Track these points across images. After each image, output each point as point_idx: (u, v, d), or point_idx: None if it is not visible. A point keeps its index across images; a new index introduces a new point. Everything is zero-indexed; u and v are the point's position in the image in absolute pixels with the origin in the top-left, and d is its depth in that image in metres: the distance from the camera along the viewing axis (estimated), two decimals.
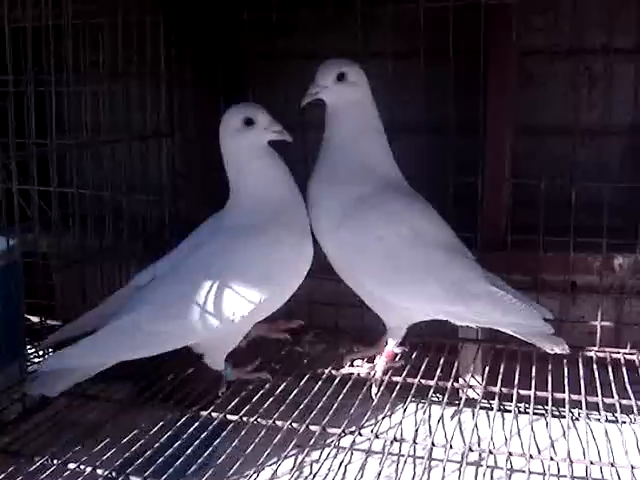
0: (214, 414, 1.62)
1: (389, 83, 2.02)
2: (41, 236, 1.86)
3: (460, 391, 1.84)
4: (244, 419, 1.61)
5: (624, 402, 1.69)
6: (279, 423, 1.59)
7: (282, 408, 1.65)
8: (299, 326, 1.97)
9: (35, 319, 1.94)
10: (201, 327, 1.60)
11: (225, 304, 1.59)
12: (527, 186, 1.95)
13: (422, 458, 1.52)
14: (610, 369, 1.82)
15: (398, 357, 1.86)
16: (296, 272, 1.68)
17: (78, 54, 1.89)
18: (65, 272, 2.09)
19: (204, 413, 1.62)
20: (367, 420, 1.65)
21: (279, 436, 1.54)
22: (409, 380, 1.78)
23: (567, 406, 1.70)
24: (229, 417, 1.62)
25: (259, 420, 1.60)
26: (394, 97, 1.98)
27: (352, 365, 1.85)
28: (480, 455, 1.54)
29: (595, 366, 1.83)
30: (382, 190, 1.72)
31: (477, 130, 1.95)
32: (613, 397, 1.70)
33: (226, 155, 1.69)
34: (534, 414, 1.68)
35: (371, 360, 1.86)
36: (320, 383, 1.77)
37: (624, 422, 1.65)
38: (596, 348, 1.91)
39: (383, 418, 1.69)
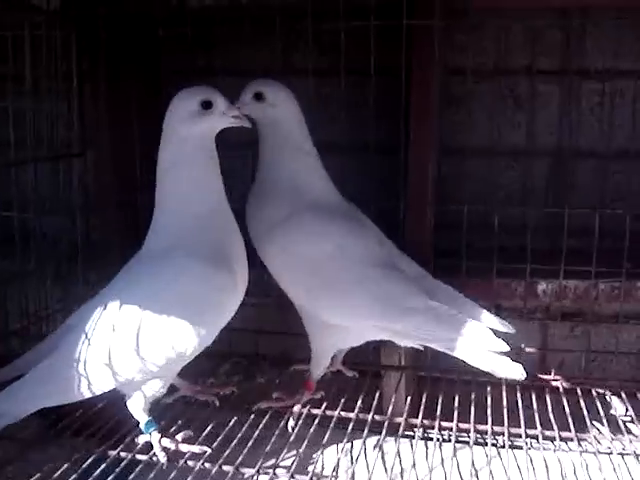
0: (123, 454, 1.53)
1: (311, 101, 1.94)
2: None
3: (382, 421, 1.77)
4: (154, 459, 1.52)
5: (547, 433, 1.67)
6: (190, 463, 1.51)
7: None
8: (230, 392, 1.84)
9: None
10: (111, 376, 1.49)
11: (133, 353, 1.47)
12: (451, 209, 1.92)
13: None
14: (534, 396, 1.80)
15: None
16: (209, 307, 1.53)
17: None
18: None
19: (113, 452, 1.53)
20: (285, 455, 1.59)
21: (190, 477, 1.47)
22: (329, 413, 1.74)
23: (489, 435, 1.67)
24: (138, 457, 1.53)
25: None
26: (317, 116, 1.91)
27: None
28: None
29: (519, 393, 1.80)
30: (307, 209, 1.70)
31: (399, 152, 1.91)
32: (536, 427, 1.68)
33: (167, 148, 1.56)
34: (457, 442, 1.66)
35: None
36: (236, 417, 1.71)
37: (547, 449, 1.64)
38: None
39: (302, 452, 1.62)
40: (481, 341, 1.60)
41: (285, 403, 1.77)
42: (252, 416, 1.72)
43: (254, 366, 1.97)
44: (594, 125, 2.04)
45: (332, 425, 1.70)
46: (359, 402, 1.77)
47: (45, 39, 1.85)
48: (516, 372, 1.60)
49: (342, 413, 1.74)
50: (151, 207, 1.58)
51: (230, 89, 2.02)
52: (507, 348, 1.60)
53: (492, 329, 1.63)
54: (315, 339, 1.77)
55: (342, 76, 1.90)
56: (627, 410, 1.82)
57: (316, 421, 1.71)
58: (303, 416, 1.74)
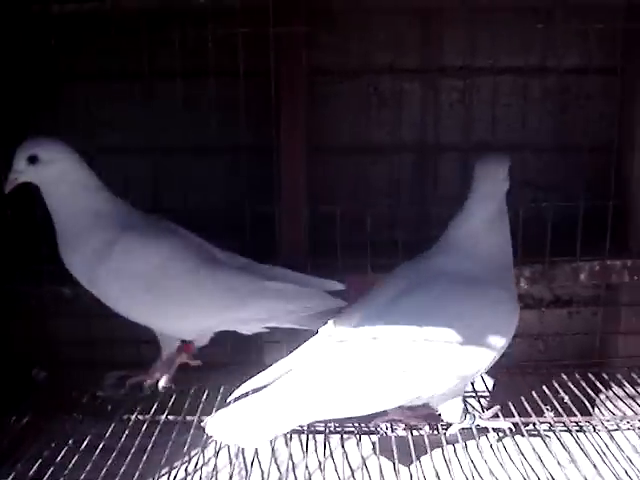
0: None
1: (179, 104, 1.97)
2: None
3: None
4: None
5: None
6: None
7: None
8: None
9: None
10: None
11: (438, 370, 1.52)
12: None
13: None
14: None
15: None
16: (509, 334, 1.61)
17: None
18: None
19: None
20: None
21: None
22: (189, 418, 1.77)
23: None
24: None
25: None
26: (186, 119, 1.97)
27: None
28: None
29: None
30: (122, 234, 1.71)
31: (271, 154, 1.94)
32: None
33: None
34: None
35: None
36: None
37: None
38: None
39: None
40: (319, 303, 1.75)
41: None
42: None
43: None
44: (454, 120, 2.12)
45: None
46: None
47: None
48: None
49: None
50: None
51: (94, 93, 2.03)
52: (343, 303, 1.74)
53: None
54: (163, 342, 1.84)
55: (211, 80, 1.90)
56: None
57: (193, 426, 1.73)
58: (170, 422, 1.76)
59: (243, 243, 1.92)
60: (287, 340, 1.94)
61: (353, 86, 2.05)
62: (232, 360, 1.99)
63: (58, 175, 1.68)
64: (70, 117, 2.02)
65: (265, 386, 1.49)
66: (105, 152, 1.99)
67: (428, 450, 1.65)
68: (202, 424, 1.53)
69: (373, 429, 1.77)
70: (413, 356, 1.49)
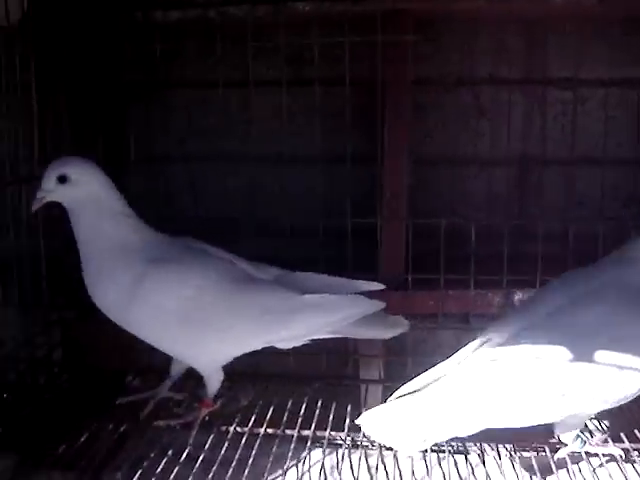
0: None
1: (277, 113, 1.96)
2: None
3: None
4: None
5: None
6: None
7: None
8: None
9: None
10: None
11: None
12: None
13: None
14: None
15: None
16: None
17: None
18: None
19: None
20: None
21: None
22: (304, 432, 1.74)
23: None
24: None
25: None
26: (283, 129, 1.94)
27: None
28: None
29: None
30: (149, 265, 1.66)
31: (371, 165, 1.91)
32: None
33: None
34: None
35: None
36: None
37: None
38: None
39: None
40: (362, 307, 1.69)
41: (184, 419, 1.76)
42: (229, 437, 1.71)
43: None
44: (557, 133, 2.06)
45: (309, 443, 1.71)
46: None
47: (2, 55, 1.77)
48: (403, 325, 1.76)
49: (317, 432, 1.75)
50: None
51: (187, 101, 2.02)
52: (383, 304, 1.69)
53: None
54: (203, 366, 1.76)
55: (316, 88, 1.88)
56: None
57: (294, 441, 1.70)
58: (279, 436, 1.72)
59: (343, 255, 1.90)
60: (384, 354, 1.94)
61: (453, 96, 2.02)
62: (327, 374, 1.97)
63: (86, 196, 1.65)
64: (164, 123, 2.03)
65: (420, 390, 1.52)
66: (200, 159, 2.00)
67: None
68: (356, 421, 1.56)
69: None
70: (572, 380, 1.46)
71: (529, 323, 1.53)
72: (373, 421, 1.51)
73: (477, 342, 1.56)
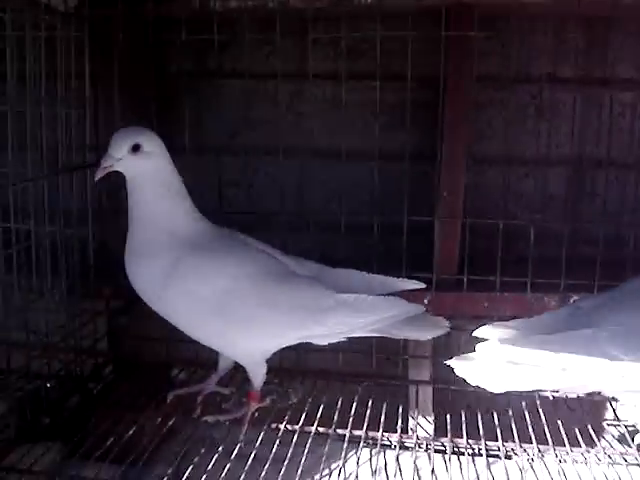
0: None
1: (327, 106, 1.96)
2: None
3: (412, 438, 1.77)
4: None
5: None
6: None
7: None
8: None
9: None
10: None
11: None
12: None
13: None
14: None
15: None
16: None
17: None
18: None
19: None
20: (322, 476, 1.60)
21: None
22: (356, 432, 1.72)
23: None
24: None
25: None
26: (338, 122, 1.91)
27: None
28: None
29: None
30: (191, 252, 1.64)
31: (428, 162, 1.89)
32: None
33: None
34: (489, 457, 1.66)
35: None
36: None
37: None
38: None
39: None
40: (399, 310, 1.67)
41: (233, 415, 1.74)
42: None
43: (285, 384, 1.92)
44: (616, 135, 2.01)
45: (361, 444, 1.69)
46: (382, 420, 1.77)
47: (59, 41, 1.74)
48: (442, 324, 1.75)
49: (369, 433, 1.73)
50: None
51: (239, 92, 1.99)
52: (422, 308, 1.69)
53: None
54: (242, 358, 1.74)
55: (377, 83, 1.84)
56: None
57: (346, 440, 1.69)
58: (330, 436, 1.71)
59: (395, 253, 1.86)
60: (433, 354, 1.92)
61: (511, 94, 1.96)
62: (378, 374, 1.94)
63: (154, 170, 1.62)
64: (216, 114, 2.01)
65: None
66: (252, 152, 1.98)
67: None
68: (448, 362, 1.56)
69: (518, 454, 1.69)
70: None
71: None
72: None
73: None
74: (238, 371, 1.82)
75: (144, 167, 1.62)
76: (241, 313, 1.63)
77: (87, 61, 1.84)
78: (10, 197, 1.64)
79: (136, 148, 1.60)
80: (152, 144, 1.62)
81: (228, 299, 1.62)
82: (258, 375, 1.73)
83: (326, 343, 1.73)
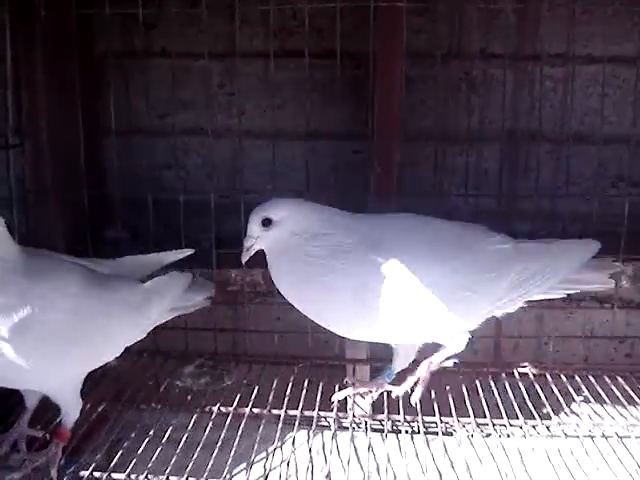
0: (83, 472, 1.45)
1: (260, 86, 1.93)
2: None
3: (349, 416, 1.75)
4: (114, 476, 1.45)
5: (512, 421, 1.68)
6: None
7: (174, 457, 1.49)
8: None
9: None
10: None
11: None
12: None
13: None
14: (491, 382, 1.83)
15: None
16: None
17: None
18: None
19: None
20: (255, 459, 1.56)
21: None
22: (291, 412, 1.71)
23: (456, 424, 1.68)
24: (96, 474, 1.45)
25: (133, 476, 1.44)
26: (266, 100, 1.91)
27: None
28: None
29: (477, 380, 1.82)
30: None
31: (362, 139, 1.87)
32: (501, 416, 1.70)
33: None
34: (427, 433, 1.67)
35: None
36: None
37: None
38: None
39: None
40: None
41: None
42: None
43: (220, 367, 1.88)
44: (547, 110, 2.02)
45: (297, 424, 1.67)
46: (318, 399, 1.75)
47: None
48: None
49: (305, 412, 1.71)
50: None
51: (168, 72, 1.95)
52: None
53: None
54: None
55: (306, 60, 1.81)
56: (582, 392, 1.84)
57: (280, 421, 1.67)
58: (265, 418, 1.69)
59: None
60: None
61: (443, 71, 1.94)
62: (314, 355, 1.92)
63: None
64: (145, 95, 1.98)
65: None
66: (182, 133, 1.96)
67: None
68: None
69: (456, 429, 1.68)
70: None
71: None
72: None
73: None
74: None
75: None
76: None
77: (8, 41, 1.78)
78: None
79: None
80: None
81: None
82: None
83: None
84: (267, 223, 1.57)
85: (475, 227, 1.70)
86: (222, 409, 1.70)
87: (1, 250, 1.38)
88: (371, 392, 1.76)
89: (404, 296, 1.53)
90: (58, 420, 1.55)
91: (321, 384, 1.80)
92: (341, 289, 1.53)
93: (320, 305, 1.58)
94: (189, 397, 1.75)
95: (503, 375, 1.87)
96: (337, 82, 1.82)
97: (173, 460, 1.48)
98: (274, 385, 1.78)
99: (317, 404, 1.73)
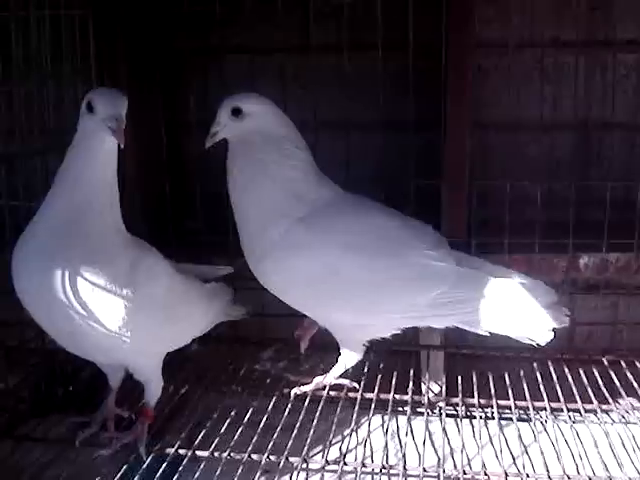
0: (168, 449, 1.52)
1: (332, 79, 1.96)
2: None
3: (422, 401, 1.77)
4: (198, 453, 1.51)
5: (587, 406, 1.69)
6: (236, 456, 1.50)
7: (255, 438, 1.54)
8: None
9: None
10: None
11: None
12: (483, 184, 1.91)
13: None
14: (566, 369, 1.80)
15: None
16: None
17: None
18: None
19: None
20: (332, 442, 1.58)
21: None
22: (367, 395, 1.73)
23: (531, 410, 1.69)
24: (180, 452, 1.52)
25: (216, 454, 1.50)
26: (340, 94, 1.93)
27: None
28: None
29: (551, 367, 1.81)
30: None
31: (433, 129, 1.89)
32: (576, 401, 1.69)
33: None
34: (501, 419, 1.67)
35: None
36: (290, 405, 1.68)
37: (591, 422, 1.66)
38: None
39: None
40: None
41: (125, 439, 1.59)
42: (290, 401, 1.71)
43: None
44: (621, 97, 2.01)
45: (373, 407, 1.69)
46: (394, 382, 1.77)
47: (63, 19, 1.75)
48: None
49: (381, 395, 1.74)
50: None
51: (244, 68, 2.00)
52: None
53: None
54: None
55: (379, 52, 1.86)
56: None
57: (356, 404, 1.70)
58: (342, 400, 1.72)
59: None
60: None
61: (514, 60, 1.96)
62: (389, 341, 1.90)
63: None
64: (219, 89, 2.03)
65: None
66: None
67: None
68: None
69: (529, 417, 1.70)
70: None
71: None
72: None
73: None
74: None
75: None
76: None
77: (92, 39, 1.85)
78: None
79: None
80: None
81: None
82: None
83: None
84: (237, 113, 1.59)
85: (425, 232, 1.69)
86: (299, 392, 1.74)
87: (115, 226, 1.45)
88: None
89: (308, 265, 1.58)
90: (142, 402, 1.60)
91: (395, 369, 1.83)
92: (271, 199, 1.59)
93: (250, 210, 1.62)
94: (268, 380, 1.80)
95: (577, 362, 1.87)
96: (409, 73, 1.85)
97: (254, 440, 1.53)
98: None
99: (392, 388, 1.75)
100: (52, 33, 1.74)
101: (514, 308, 1.61)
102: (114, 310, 1.39)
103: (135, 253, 1.47)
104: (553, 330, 1.61)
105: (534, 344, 1.63)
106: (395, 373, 1.81)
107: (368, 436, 1.64)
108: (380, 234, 1.64)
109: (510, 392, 1.73)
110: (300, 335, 1.85)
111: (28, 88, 1.56)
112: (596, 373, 1.79)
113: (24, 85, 1.60)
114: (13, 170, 1.68)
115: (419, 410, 1.74)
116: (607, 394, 1.72)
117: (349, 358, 1.74)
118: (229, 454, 1.49)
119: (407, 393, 1.75)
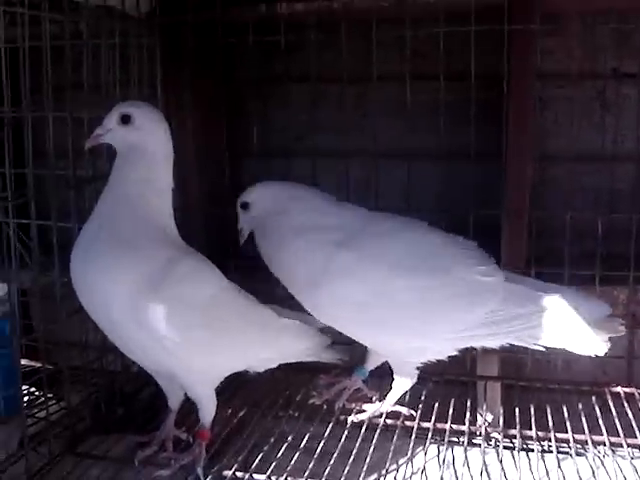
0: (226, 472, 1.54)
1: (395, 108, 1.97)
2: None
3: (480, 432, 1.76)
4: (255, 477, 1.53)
5: None
6: None
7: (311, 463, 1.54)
8: None
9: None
10: None
11: None
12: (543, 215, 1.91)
13: None
14: (625, 403, 1.78)
15: None
16: None
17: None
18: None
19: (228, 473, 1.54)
20: (388, 470, 1.57)
21: None
22: (424, 425, 1.73)
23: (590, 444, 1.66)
24: (238, 474, 1.53)
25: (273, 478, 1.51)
26: (405, 123, 1.95)
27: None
28: None
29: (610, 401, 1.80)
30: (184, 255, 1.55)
31: (493, 159, 1.89)
32: (635, 436, 1.66)
33: None
34: (559, 452, 1.63)
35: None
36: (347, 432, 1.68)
37: None
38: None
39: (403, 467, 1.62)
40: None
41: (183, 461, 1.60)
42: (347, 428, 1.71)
43: None
44: None
45: (429, 436, 1.69)
46: (451, 412, 1.77)
47: (132, 48, 1.82)
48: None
49: (437, 425, 1.73)
50: None
51: (305, 95, 2.03)
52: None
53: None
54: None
55: (441, 82, 1.87)
56: None
57: (413, 433, 1.69)
58: (398, 428, 1.72)
59: None
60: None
61: (576, 90, 1.95)
62: (446, 371, 1.91)
63: (140, 145, 1.51)
64: (280, 116, 2.06)
65: None
66: (318, 155, 2.01)
67: None
68: None
69: (587, 452, 1.67)
70: None
71: None
72: None
73: None
74: None
75: (129, 140, 1.51)
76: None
77: (159, 67, 1.91)
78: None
79: (125, 119, 1.51)
80: (144, 119, 1.52)
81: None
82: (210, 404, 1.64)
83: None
84: (245, 206, 1.73)
85: (468, 246, 1.70)
86: (356, 420, 1.75)
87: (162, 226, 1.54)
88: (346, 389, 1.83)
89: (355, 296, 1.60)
90: (199, 424, 1.62)
91: (452, 399, 1.82)
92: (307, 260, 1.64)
93: (288, 271, 1.69)
94: (324, 407, 1.80)
95: (636, 396, 1.84)
96: (470, 103, 1.86)
97: (310, 465, 1.53)
98: (406, 398, 1.81)
99: (449, 418, 1.75)
100: (121, 60, 1.80)
101: (568, 320, 1.61)
102: (150, 305, 1.43)
103: (178, 254, 1.51)
104: (609, 340, 1.61)
105: (591, 355, 1.62)
106: (452, 403, 1.80)
107: (424, 466, 1.63)
108: (426, 251, 1.67)
109: (568, 425, 1.71)
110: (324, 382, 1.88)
111: (98, 114, 1.59)
112: None
113: (95, 111, 1.63)
114: (82, 194, 1.72)
115: (475, 441, 1.73)
116: None
117: (403, 383, 1.75)
118: (286, 479, 1.50)
119: (464, 423, 1.75)
